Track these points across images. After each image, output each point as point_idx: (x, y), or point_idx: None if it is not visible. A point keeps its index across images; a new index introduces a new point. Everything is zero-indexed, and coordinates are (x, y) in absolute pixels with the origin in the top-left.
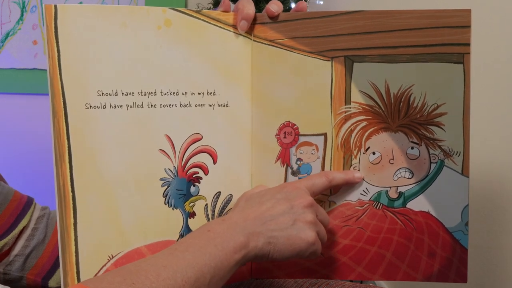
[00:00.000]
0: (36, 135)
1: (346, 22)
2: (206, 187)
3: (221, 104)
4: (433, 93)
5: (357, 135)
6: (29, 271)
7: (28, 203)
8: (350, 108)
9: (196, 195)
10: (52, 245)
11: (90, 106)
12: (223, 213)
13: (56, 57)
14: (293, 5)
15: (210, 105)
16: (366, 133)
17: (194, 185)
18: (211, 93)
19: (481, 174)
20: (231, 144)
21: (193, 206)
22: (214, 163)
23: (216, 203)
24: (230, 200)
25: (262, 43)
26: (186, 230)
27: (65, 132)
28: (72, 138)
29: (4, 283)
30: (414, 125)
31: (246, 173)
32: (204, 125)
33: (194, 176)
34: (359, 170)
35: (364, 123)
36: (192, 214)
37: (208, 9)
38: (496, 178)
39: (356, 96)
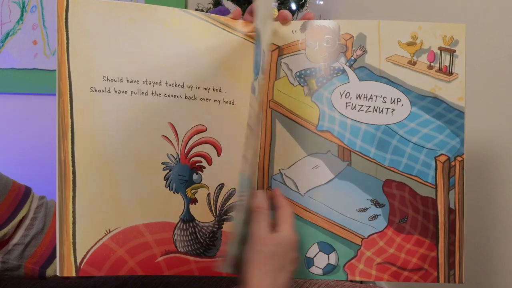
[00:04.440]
0: (36, 135)
1: None
2: (209, 177)
3: (227, 101)
4: None
5: None
6: (27, 260)
7: (27, 193)
8: None
9: (199, 183)
10: (51, 234)
11: (95, 90)
12: (226, 205)
13: (65, 44)
14: (293, 6)
15: (216, 101)
16: None
17: (196, 173)
18: (217, 89)
19: (480, 173)
20: (237, 140)
21: (195, 193)
22: (218, 155)
23: (219, 195)
24: (233, 194)
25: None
26: (187, 215)
27: (69, 111)
28: (76, 116)
29: (3, 272)
30: None
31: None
32: (209, 119)
33: (197, 164)
34: None
35: None
36: (194, 200)
37: (208, 9)
38: (495, 177)
39: None
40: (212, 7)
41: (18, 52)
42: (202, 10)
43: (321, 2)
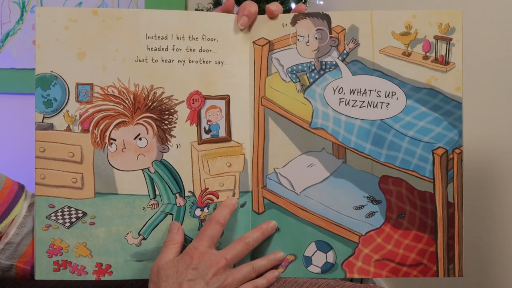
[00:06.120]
0: None
1: None
2: None
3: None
4: None
5: None
6: (18, 259)
7: (19, 190)
8: None
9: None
10: None
11: None
12: None
13: None
14: (293, 5)
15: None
16: None
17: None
18: None
19: (479, 173)
20: None
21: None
22: None
23: None
24: None
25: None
26: None
27: None
28: None
29: None
30: None
31: None
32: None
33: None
34: None
35: None
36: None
37: (208, 9)
38: (494, 177)
39: None
40: (212, 7)
41: (18, 52)
42: (202, 10)
43: (321, 2)
